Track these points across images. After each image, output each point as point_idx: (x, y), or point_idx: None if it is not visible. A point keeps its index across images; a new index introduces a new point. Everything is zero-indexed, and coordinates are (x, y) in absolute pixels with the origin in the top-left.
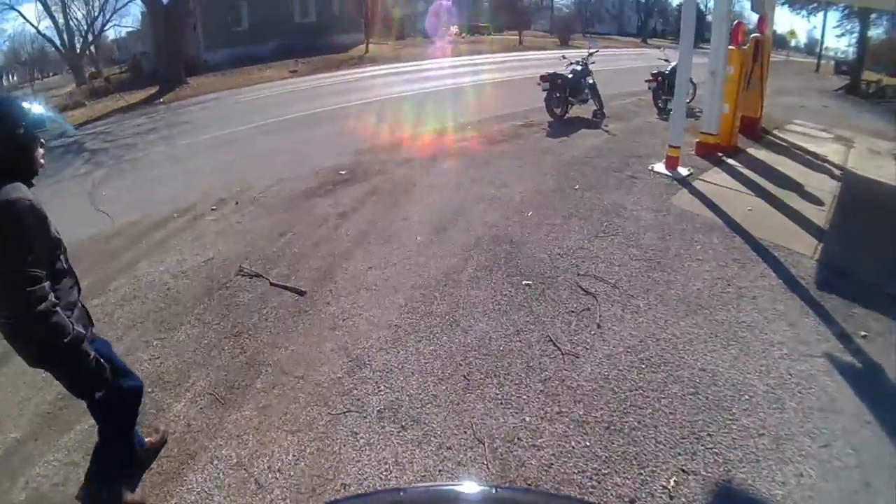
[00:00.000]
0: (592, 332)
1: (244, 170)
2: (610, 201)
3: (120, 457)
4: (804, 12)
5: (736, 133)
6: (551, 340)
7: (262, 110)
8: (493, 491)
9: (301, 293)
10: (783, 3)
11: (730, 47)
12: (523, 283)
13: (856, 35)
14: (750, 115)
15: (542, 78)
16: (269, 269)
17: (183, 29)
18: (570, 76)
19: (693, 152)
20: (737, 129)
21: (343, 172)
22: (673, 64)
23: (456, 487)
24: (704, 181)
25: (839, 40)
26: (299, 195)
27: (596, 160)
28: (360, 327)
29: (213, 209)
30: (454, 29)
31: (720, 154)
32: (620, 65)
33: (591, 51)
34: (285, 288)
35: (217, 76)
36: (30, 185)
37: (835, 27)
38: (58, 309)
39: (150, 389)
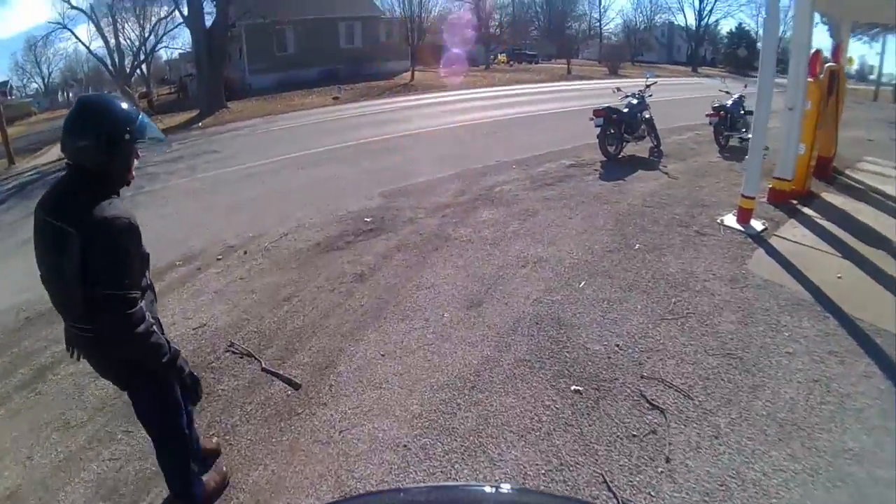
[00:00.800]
0: (659, 469)
1: (263, 210)
2: (677, 267)
3: (183, 452)
4: (865, 38)
5: (811, 176)
6: (605, 481)
7: (297, 140)
8: (494, 491)
9: (295, 386)
10: None
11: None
12: (572, 388)
13: None
14: (823, 154)
15: (596, 113)
16: (263, 348)
17: (224, 53)
18: (626, 110)
19: (764, 199)
20: (811, 171)
21: (368, 220)
22: (736, 96)
23: (456, 487)
24: (782, 238)
25: (890, 66)
26: (316, 247)
27: (657, 210)
28: (360, 446)
29: (218, 258)
30: (501, 57)
31: (794, 201)
32: (673, 95)
33: (649, 82)
34: (278, 376)
35: (259, 101)
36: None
37: None
38: (155, 328)
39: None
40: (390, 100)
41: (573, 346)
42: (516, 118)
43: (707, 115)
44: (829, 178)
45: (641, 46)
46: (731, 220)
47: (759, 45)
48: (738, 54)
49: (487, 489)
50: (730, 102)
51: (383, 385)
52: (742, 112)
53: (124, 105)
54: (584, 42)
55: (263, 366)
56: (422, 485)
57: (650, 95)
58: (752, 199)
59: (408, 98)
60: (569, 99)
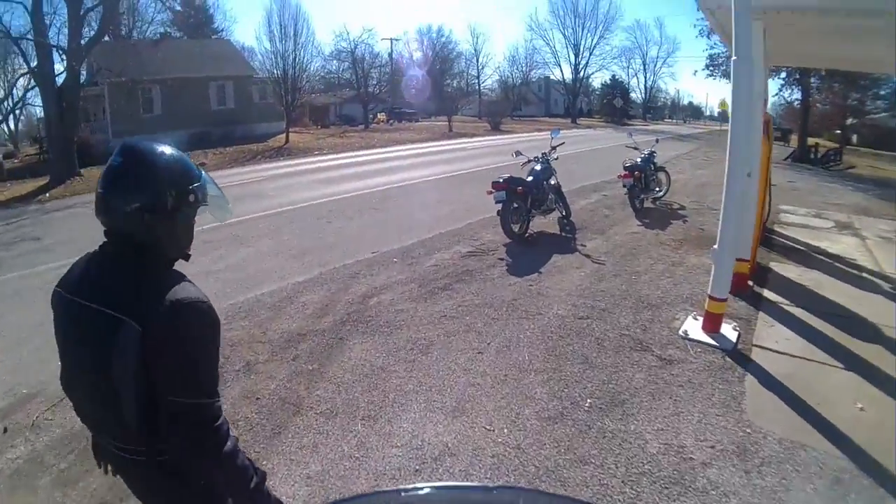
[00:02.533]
0: None
1: (48, 347)
2: (657, 442)
3: None
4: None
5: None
6: None
7: None
8: (494, 491)
9: None
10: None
11: None
12: None
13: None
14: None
15: (496, 186)
16: None
17: (77, 113)
18: (531, 179)
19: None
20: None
21: None
22: (646, 152)
23: (456, 488)
24: (765, 349)
25: None
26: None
27: (596, 323)
28: None
29: None
30: (381, 116)
31: (750, 283)
32: (562, 150)
33: (555, 142)
34: None
35: None
36: None
37: (774, 96)
38: (239, 446)
39: None
40: (260, 166)
41: None
42: (397, 188)
43: (620, 177)
44: (763, 239)
45: (520, 101)
46: (694, 328)
47: (633, 95)
48: (614, 104)
49: (487, 489)
50: (640, 160)
51: None
52: (653, 169)
53: (184, 156)
54: (463, 99)
55: None
56: (421, 484)
57: (556, 158)
58: (724, 301)
59: (279, 164)
60: (454, 160)
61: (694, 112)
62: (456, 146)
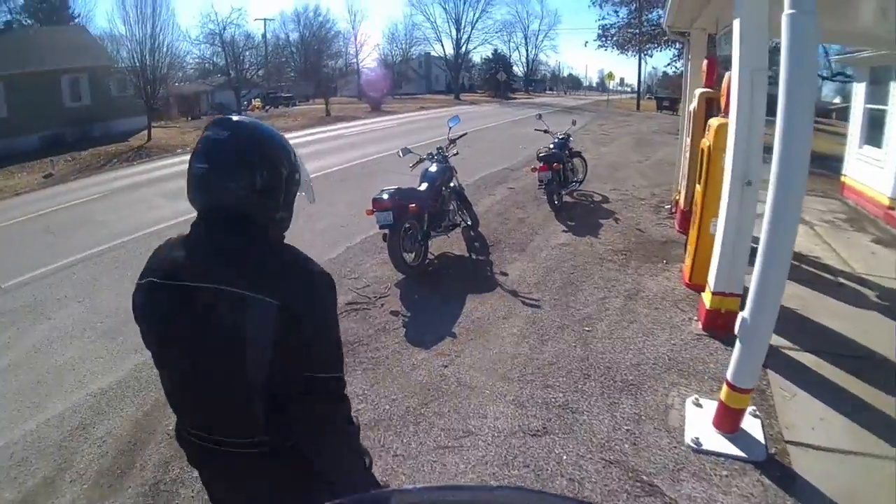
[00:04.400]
0: None
1: None
2: None
3: None
4: (633, 53)
5: None
6: None
7: None
8: (495, 492)
9: None
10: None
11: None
12: None
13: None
14: None
15: (379, 204)
16: None
17: None
18: (425, 189)
19: (696, 320)
20: None
21: None
22: (561, 136)
23: (457, 488)
24: (803, 446)
25: (629, 75)
26: None
27: (559, 441)
28: None
29: None
30: (255, 102)
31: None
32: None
33: (454, 135)
34: None
35: None
36: None
37: (667, 65)
38: None
39: None
40: (113, 174)
41: None
42: None
43: (535, 170)
44: None
45: (400, 79)
46: (702, 426)
47: (515, 69)
48: (497, 79)
49: (489, 490)
50: (553, 146)
51: None
52: (569, 156)
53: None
54: (342, 79)
55: None
56: (419, 486)
57: (455, 154)
58: (748, 392)
59: (133, 169)
60: (330, 152)
61: (574, 83)
62: (333, 133)
